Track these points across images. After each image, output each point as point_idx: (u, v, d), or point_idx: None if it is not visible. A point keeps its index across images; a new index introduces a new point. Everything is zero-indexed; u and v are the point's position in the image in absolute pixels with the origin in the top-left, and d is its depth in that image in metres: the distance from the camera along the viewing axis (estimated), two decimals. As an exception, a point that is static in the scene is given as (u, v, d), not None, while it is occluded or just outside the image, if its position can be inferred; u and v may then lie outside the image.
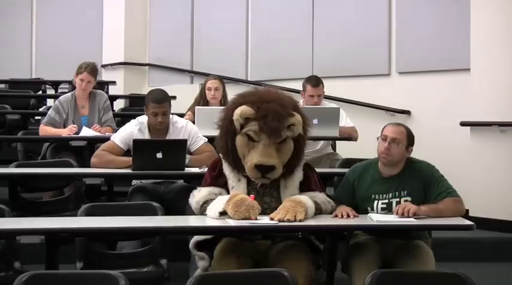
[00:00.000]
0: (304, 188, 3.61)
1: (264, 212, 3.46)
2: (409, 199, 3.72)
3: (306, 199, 3.48)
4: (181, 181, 4.97)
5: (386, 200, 3.78)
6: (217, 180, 3.63)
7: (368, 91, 7.48)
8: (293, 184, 3.60)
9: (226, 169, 3.62)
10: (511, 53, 6.08)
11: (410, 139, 3.83)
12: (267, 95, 3.61)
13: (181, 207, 4.45)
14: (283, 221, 3.31)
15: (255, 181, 3.54)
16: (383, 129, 3.85)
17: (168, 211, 4.12)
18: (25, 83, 9.70)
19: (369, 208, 3.78)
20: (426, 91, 7.07)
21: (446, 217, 3.59)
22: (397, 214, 3.52)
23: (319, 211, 3.55)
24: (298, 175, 3.63)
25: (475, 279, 2.98)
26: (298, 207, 3.36)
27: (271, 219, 3.33)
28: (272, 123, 3.44)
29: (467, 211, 5.91)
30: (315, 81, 6.01)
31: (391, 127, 3.82)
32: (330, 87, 7.50)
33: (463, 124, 6.30)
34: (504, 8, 6.12)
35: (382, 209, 3.76)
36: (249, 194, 3.51)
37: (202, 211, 3.55)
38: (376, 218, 3.56)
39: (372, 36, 7.57)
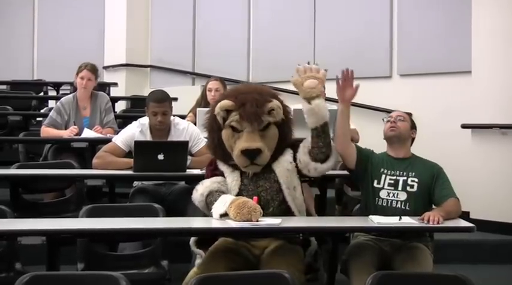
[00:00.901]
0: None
1: (260, 196, 3.53)
2: (416, 180, 3.85)
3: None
4: (182, 183, 4.97)
5: (394, 177, 3.88)
6: (216, 173, 3.68)
7: (369, 94, 7.44)
8: (286, 165, 3.64)
9: (221, 165, 3.68)
10: (513, 55, 6.09)
11: (413, 122, 4.08)
12: (245, 87, 3.76)
13: (182, 208, 4.46)
14: None
15: (246, 171, 3.58)
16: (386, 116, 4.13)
17: (169, 213, 4.12)
18: (27, 84, 9.71)
19: (375, 181, 3.88)
20: (427, 93, 7.07)
21: (450, 219, 3.61)
22: (422, 220, 3.52)
23: (327, 132, 3.73)
24: (289, 154, 3.68)
25: (475, 281, 2.98)
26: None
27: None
28: (251, 109, 3.53)
29: (467, 213, 5.94)
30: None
31: (395, 112, 4.11)
32: (331, 89, 7.51)
33: (464, 126, 6.30)
34: (505, 10, 6.13)
35: (389, 184, 3.86)
36: (242, 182, 3.58)
37: (208, 202, 3.56)
38: (377, 220, 3.57)
39: (373, 39, 7.57)
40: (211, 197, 3.56)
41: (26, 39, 11.01)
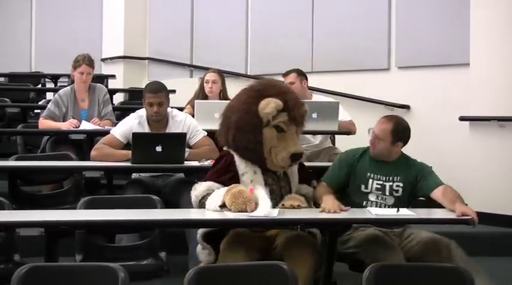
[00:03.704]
0: (301, 177, 3.78)
1: (282, 196, 3.61)
2: (401, 184, 3.88)
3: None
4: (179, 175, 4.98)
5: (381, 182, 3.90)
6: (221, 176, 3.59)
7: (367, 86, 7.47)
8: (294, 170, 3.73)
9: (242, 164, 3.61)
10: (511, 48, 6.09)
11: (396, 135, 3.91)
12: (282, 86, 3.76)
13: (177, 200, 4.47)
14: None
15: (277, 170, 3.63)
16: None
17: (165, 204, 4.12)
18: (24, 76, 9.70)
19: (362, 186, 3.90)
20: (426, 86, 7.07)
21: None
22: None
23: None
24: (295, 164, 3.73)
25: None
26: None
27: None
28: (302, 112, 3.59)
29: (465, 205, 5.94)
30: (285, 72, 6.13)
31: (378, 123, 3.96)
32: (330, 82, 7.53)
33: (462, 119, 6.30)
34: (504, 2, 6.12)
35: (377, 189, 3.89)
36: (266, 183, 3.58)
37: (200, 205, 3.55)
38: (375, 211, 3.58)
39: (371, 31, 7.56)
40: (204, 200, 3.54)
41: (23, 31, 10.98)
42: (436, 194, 3.80)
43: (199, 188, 3.59)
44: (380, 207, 3.85)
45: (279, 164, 3.57)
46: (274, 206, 3.47)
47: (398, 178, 3.90)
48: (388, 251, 3.64)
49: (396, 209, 3.64)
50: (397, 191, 3.90)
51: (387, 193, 3.89)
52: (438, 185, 3.82)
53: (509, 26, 6.08)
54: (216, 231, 3.58)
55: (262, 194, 3.42)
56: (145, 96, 4.81)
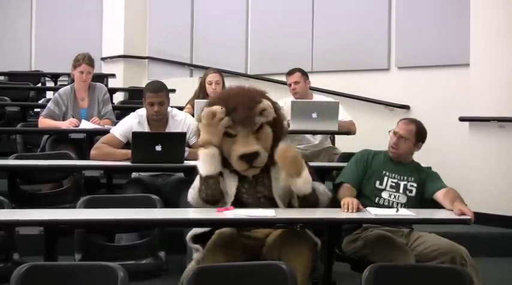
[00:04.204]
0: None
1: (258, 201, 3.55)
2: (415, 185, 3.99)
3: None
4: (179, 174, 4.98)
5: (396, 180, 4.00)
6: None
7: (367, 86, 7.48)
8: (279, 173, 3.60)
9: (221, 168, 3.62)
10: (511, 48, 6.09)
11: (419, 136, 4.08)
12: (232, 91, 3.72)
13: (175, 200, 4.47)
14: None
15: (246, 174, 3.57)
16: (398, 123, 4.12)
17: (164, 204, 4.12)
18: (24, 75, 9.68)
19: (377, 182, 3.97)
20: (425, 86, 7.07)
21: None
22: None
23: (315, 196, 3.56)
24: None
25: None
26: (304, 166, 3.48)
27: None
28: (242, 112, 3.50)
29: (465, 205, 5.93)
30: (290, 70, 6.18)
31: (402, 124, 4.09)
32: (329, 82, 7.53)
33: (462, 119, 6.30)
34: (504, 2, 6.12)
35: (391, 186, 3.97)
36: (242, 186, 3.57)
37: (197, 198, 3.57)
38: (374, 211, 3.58)
39: (371, 31, 7.56)
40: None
41: (24, 30, 10.98)
42: (438, 195, 3.89)
43: (195, 182, 3.60)
44: (392, 205, 3.92)
45: (238, 169, 3.55)
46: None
47: (413, 178, 4.01)
48: (399, 251, 3.68)
49: (396, 209, 3.67)
50: (410, 190, 3.99)
51: (401, 191, 3.98)
52: (442, 188, 3.91)
53: (509, 26, 6.08)
54: (206, 231, 3.58)
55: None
56: (146, 96, 4.82)
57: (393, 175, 4.01)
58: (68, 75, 7.53)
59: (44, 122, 5.70)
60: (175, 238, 4.09)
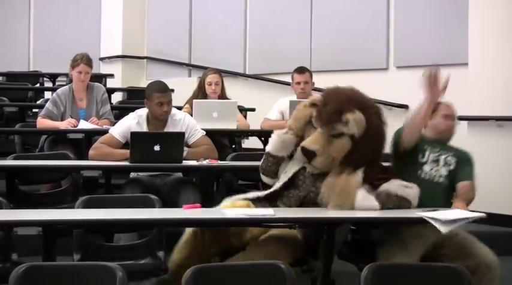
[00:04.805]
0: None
1: (307, 195, 3.61)
2: (454, 159, 3.99)
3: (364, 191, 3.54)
4: (177, 174, 4.98)
5: (436, 154, 3.99)
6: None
7: (366, 86, 7.33)
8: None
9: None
10: (509, 48, 6.09)
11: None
12: (343, 90, 3.81)
13: (174, 200, 4.47)
14: None
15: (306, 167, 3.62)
16: (438, 107, 4.09)
17: (163, 204, 4.12)
18: (23, 76, 9.68)
19: (420, 155, 3.95)
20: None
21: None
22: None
23: (397, 201, 3.58)
24: (359, 174, 3.59)
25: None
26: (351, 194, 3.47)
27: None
28: (328, 112, 3.55)
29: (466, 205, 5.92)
30: (301, 68, 6.19)
31: (447, 106, 4.11)
32: (328, 81, 7.49)
33: (460, 118, 6.23)
34: (502, 2, 6.13)
35: (432, 160, 3.96)
36: (301, 174, 3.62)
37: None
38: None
39: (369, 30, 7.57)
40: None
41: (22, 30, 10.98)
42: (458, 187, 3.93)
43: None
44: (433, 179, 3.93)
45: (300, 158, 3.65)
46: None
47: (452, 154, 4.01)
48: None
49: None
50: (450, 164, 3.99)
51: (441, 164, 3.97)
52: (466, 179, 3.92)
53: (507, 26, 6.09)
54: None
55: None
56: (154, 96, 4.79)
57: (435, 149, 4.00)
58: (66, 75, 7.52)
59: (42, 122, 5.70)
60: (173, 238, 4.08)
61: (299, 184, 3.62)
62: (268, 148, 3.71)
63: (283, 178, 3.64)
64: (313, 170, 3.60)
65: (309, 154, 3.54)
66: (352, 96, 3.67)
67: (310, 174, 3.62)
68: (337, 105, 3.57)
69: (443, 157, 3.99)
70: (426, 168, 3.97)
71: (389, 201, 3.55)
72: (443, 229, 3.37)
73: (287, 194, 3.62)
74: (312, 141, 3.55)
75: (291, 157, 3.69)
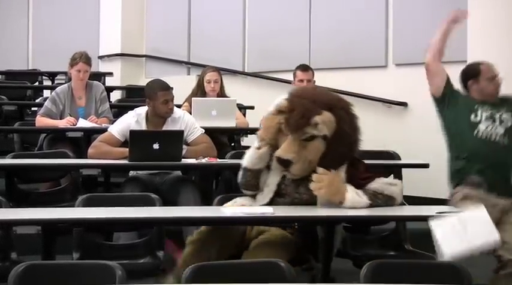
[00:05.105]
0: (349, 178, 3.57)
1: (292, 202, 3.54)
2: (509, 114, 3.97)
3: (352, 189, 3.47)
4: (177, 172, 4.98)
5: (489, 112, 3.97)
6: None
7: (365, 83, 7.47)
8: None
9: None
10: (508, 45, 6.09)
11: None
12: (307, 91, 3.72)
13: (174, 198, 4.47)
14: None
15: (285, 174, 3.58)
16: (479, 69, 4.14)
17: (163, 202, 4.12)
18: (21, 74, 9.68)
19: (472, 115, 3.95)
20: (423, 83, 7.00)
21: None
22: None
23: (384, 198, 3.52)
24: (342, 169, 3.55)
25: (470, 270, 2.99)
26: (342, 187, 3.41)
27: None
28: (295, 118, 3.46)
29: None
30: (304, 66, 6.17)
31: (490, 68, 4.13)
32: (327, 79, 7.50)
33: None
34: (501, 0, 6.12)
35: (486, 118, 3.95)
36: (283, 180, 3.56)
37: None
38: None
39: (369, 28, 7.55)
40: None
41: (21, 29, 10.96)
42: None
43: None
44: (490, 137, 3.90)
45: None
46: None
47: (505, 109, 3.99)
48: None
49: None
50: (505, 121, 3.96)
51: (497, 122, 3.94)
52: None
53: (506, 24, 6.08)
54: None
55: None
56: (159, 95, 4.79)
57: (485, 107, 3.96)
58: (65, 73, 7.52)
59: (42, 121, 5.70)
60: (172, 236, 4.09)
61: (283, 192, 3.58)
62: (244, 163, 3.63)
63: (268, 193, 3.58)
64: (293, 177, 3.55)
65: (285, 163, 3.48)
66: (317, 97, 3.56)
67: (290, 181, 3.58)
68: (304, 109, 3.46)
69: (497, 115, 3.94)
70: (482, 127, 3.93)
71: (376, 199, 3.51)
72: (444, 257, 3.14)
73: (274, 204, 3.59)
74: (285, 149, 3.48)
75: (268, 166, 3.64)
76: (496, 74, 4.05)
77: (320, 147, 3.49)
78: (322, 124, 3.44)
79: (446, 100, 4.01)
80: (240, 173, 3.66)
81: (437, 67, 3.95)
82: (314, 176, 3.41)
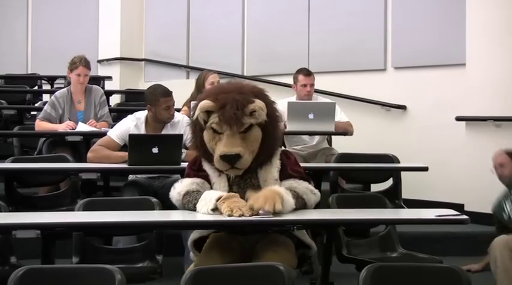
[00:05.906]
0: (282, 176, 3.54)
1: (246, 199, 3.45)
2: None
3: (284, 191, 3.40)
4: (176, 176, 4.97)
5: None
6: (198, 174, 3.58)
7: (364, 86, 7.48)
8: (271, 176, 3.53)
9: (206, 165, 3.57)
10: (507, 48, 6.10)
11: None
12: (227, 86, 3.59)
13: (171, 202, 4.46)
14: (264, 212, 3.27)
15: (227, 174, 3.50)
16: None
17: (162, 206, 4.11)
18: (21, 78, 9.67)
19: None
20: (422, 86, 7.07)
21: None
22: None
23: (301, 203, 3.48)
24: (275, 165, 3.55)
25: (470, 274, 3.00)
26: (276, 197, 3.30)
27: (251, 208, 3.28)
28: (230, 111, 3.40)
29: (462, 205, 5.94)
30: (306, 71, 6.16)
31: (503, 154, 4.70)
32: (326, 82, 7.53)
33: (458, 119, 6.31)
34: (500, 2, 6.13)
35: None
36: (231, 188, 3.49)
37: (184, 203, 3.51)
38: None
39: (367, 31, 7.57)
40: (188, 197, 3.48)
41: (20, 33, 10.97)
42: None
43: (181, 185, 3.54)
44: None
45: (219, 168, 3.47)
46: None
47: None
48: None
49: None
50: None
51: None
52: None
53: (505, 26, 6.10)
54: (205, 237, 3.55)
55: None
56: (161, 101, 4.81)
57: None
58: (65, 77, 7.53)
59: (41, 125, 5.70)
60: (171, 240, 4.08)
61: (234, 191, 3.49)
62: (182, 189, 3.52)
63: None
64: (237, 173, 3.48)
65: (233, 159, 3.39)
66: (241, 88, 3.52)
67: (237, 185, 3.50)
68: (235, 100, 3.41)
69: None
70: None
71: (297, 202, 3.44)
72: None
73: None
74: (228, 145, 3.39)
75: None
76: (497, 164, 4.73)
77: (258, 135, 3.47)
78: (259, 110, 3.43)
79: None
80: (185, 200, 3.51)
81: None
82: (250, 199, 3.33)
